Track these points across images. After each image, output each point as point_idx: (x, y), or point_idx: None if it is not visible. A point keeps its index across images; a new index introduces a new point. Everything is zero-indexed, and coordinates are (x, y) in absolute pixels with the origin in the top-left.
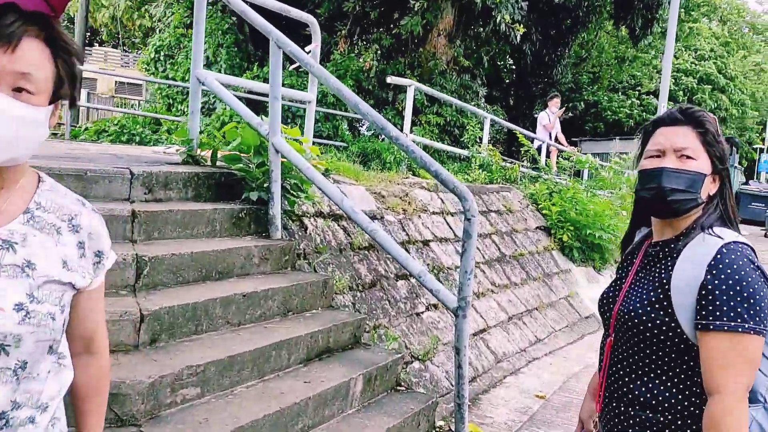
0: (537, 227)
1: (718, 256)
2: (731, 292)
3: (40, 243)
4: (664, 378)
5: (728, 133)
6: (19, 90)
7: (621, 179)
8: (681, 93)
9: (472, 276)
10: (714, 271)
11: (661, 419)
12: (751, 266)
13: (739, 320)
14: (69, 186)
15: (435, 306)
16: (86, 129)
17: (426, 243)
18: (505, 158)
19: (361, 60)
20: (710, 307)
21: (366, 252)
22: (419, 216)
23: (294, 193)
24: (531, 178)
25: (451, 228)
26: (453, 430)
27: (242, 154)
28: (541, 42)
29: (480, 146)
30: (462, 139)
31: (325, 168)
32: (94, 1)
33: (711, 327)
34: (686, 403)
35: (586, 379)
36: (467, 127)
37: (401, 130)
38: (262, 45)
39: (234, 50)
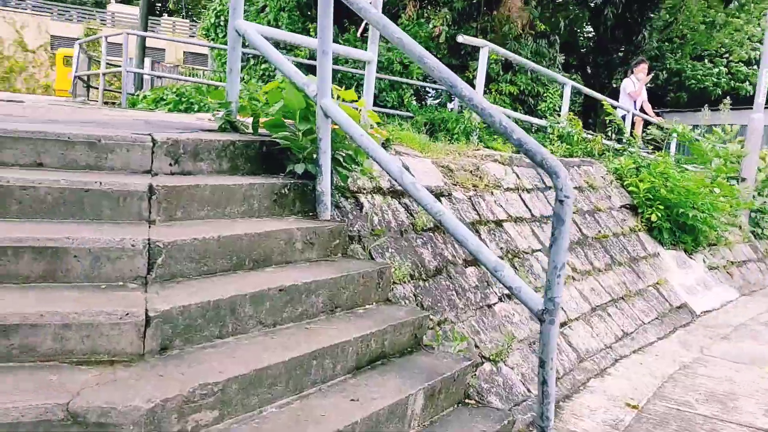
0: (622, 206)
1: None
2: None
3: None
4: None
5: None
6: None
7: (716, 152)
8: None
9: (564, 272)
10: None
11: None
12: None
13: None
14: (79, 156)
15: (509, 296)
16: (144, 97)
17: (499, 224)
18: (585, 130)
19: (430, 26)
20: None
21: (431, 234)
22: (491, 193)
23: (347, 165)
24: (615, 152)
25: (527, 206)
26: None
27: (287, 120)
28: (625, 5)
29: (558, 116)
30: (538, 109)
31: (385, 138)
32: None
33: None
34: None
35: (684, 384)
36: (544, 96)
37: None
38: None
39: (296, 14)
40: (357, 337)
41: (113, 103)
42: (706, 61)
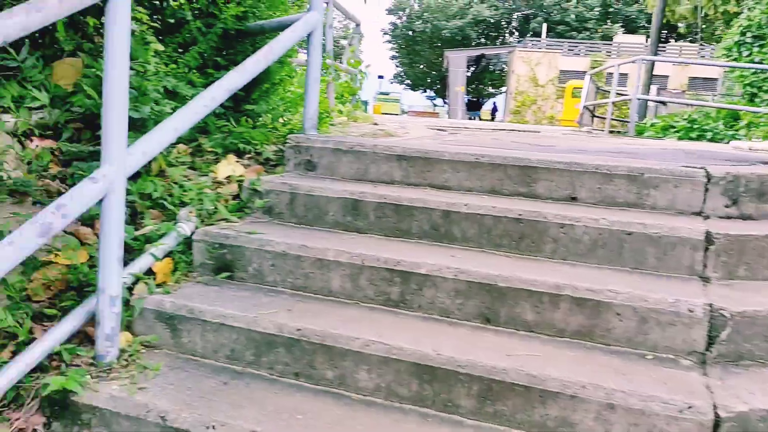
0: None
1: None
2: None
3: None
4: None
5: None
6: None
7: None
8: None
9: None
10: None
11: None
12: None
13: None
14: (618, 189)
15: None
16: (652, 125)
17: None
18: None
19: None
20: None
21: None
22: None
23: None
24: None
25: None
26: None
27: None
28: None
29: None
30: None
31: None
32: None
33: None
34: None
35: None
36: None
37: None
38: None
39: None
40: None
41: (618, 132)
42: None
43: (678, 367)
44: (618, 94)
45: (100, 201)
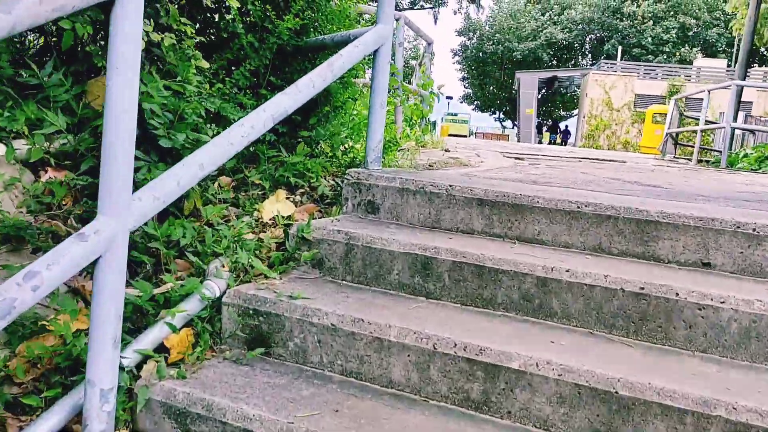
0: None
1: None
2: None
3: None
4: None
5: None
6: None
7: None
8: None
9: None
10: None
11: None
12: None
13: None
14: (747, 258)
15: None
16: (745, 156)
17: None
18: None
19: None
20: None
21: None
22: None
23: None
24: None
25: None
26: None
27: None
28: None
29: None
30: None
31: None
32: (764, 17)
33: None
34: None
35: None
36: None
37: None
38: None
39: None
40: None
41: (706, 162)
42: None
43: None
44: (707, 121)
45: (96, 261)
